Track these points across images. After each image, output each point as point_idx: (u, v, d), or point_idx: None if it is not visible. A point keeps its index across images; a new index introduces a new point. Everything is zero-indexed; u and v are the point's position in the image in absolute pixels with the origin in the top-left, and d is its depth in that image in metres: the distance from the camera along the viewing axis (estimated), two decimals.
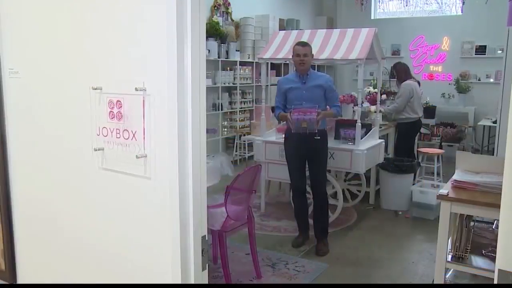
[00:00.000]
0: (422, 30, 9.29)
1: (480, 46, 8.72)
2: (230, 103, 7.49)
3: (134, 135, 1.46)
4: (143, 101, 1.42)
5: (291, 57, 4.47)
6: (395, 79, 6.06)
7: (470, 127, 8.43)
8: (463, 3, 8.33)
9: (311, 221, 4.08)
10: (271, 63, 7.81)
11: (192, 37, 1.34)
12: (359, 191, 5.24)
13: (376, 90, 6.36)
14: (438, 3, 9.36)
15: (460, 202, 2.47)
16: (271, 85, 6.82)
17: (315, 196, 3.99)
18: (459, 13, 9.06)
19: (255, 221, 3.66)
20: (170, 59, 1.34)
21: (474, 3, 8.26)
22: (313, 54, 3.89)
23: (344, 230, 4.54)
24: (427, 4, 9.43)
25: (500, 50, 8.06)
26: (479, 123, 8.14)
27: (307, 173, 3.98)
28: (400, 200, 5.07)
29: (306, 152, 3.84)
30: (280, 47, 4.69)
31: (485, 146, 8.29)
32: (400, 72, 5.90)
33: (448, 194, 2.49)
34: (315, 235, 3.99)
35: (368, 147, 4.40)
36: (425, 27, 9.25)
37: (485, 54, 8.69)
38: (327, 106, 3.91)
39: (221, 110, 7.17)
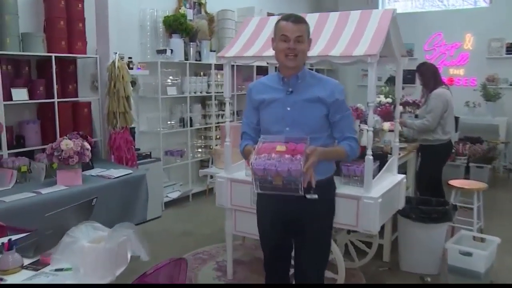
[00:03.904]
0: (439, 26, 7.75)
1: (511, 44, 7.19)
2: (204, 116, 5.97)
3: None
4: None
5: (266, 53, 2.96)
6: (420, 86, 4.60)
7: (502, 142, 6.88)
8: None
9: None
10: (257, 66, 6.43)
11: None
12: (369, 245, 3.68)
13: (388, 99, 4.84)
14: None
15: None
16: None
17: None
18: (485, 4, 7.53)
19: None
20: None
21: None
22: (311, 40, 2.23)
23: None
24: None
25: None
26: None
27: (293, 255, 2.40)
28: (427, 260, 3.53)
29: (291, 222, 2.23)
30: (251, 40, 3.17)
31: None
32: (428, 77, 4.39)
33: None
34: None
35: (383, 192, 2.86)
36: (443, 23, 7.71)
37: None
38: (334, 139, 2.26)
39: (191, 126, 5.64)
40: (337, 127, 2.22)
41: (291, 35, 2.10)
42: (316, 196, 1.98)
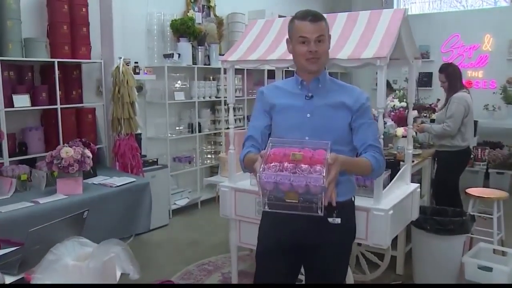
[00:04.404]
0: (457, 27, 7.51)
1: None
2: (214, 122, 5.85)
3: None
4: None
5: (270, 56, 2.82)
6: (433, 89, 4.38)
7: None
8: None
9: None
10: (268, 69, 6.29)
11: None
12: (381, 257, 3.50)
13: (403, 104, 4.65)
14: None
15: None
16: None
17: None
18: (506, 3, 7.27)
19: None
20: None
21: None
22: (330, 36, 1.96)
23: None
24: None
25: None
26: None
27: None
28: (443, 274, 3.33)
29: (301, 248, 1.95)
30: (256, 43, 3.03)
31: None
32: (455, 79, 4.17)
33: None
34: None
35: (395, 203, 2.68)
36: (461, 24, 7.47)
37: None
38: (356, 150, 1.96)
39: (200, 132, 5.52)
40: (359, 133, 1.90)
41: (311, 36, 1.83)
42: (339, 221, 1.71)
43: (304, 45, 1.86)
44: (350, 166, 1.78)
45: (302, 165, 1.54)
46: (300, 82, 1.95)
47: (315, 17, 1.86)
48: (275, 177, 1.53)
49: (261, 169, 1.57)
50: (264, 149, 1.79)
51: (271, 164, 1.58)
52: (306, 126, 1.89)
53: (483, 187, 5.57)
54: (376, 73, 7.60)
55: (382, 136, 2.64)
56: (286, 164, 1.56)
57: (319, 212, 1.56)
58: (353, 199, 2.04)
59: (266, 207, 1.61)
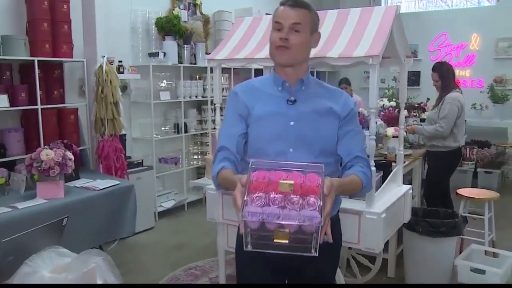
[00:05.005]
0: (444, 26, 7.51)
1: None
2: (200, 122, 5.74)
3: None
4: None
5: (258, 55, 2.72)
6: (421, 88, 4.32)
7: (511, 146, 6.60)
8: None
9: None
10: (255, 68, 6.18)
11: None
12: (372, 260, 3.42)
13: (393, 103, 4.59)
14: None
15: None
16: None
17: None
18: (493, 3, 7.27)
19: None
20: None
21: None
22: (319, 34, 1.77)
23: None
24: None
25: None
26: None
27: None
28: (435, 276, 3.27)
29: (286, 268, 1.73)
30: (243, 41, 2.93)
31: None
32: (448, 78, 4.10)
33: None
34: None
35: (388, 206, 2.61)
36: (448, 23, 7.46)
37: None
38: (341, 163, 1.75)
39: (186, 132, 5.41)
40: (345, 142, 1.69)
41: (285, 22, 1.61)
42: (330, 240, 1.40)
43: (278, 32, 1.64)
44: (343, 190, 1.56)
45: (293, 197, 1.30)
46: (281, 84, 1.70)
47: (295, 3, 1.64)
48: (261, 215, 1.27)
49: (242, 204, 1.30)
50: (240, 162, 1.64)
51: (255, 195, 1.31)
52: (290, 135, 1.64)
53: (472, 186, 5.56)
54: (364, 72, 7.50)
55: (374, 137, 2.56)
56: (273, 195, 1.31)
57: (313, 252, 1.31)
58: (337, 213, 1.87)
59: (249, 246, 1.33)
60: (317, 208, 1.27)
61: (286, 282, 1.79)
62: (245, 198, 1.31)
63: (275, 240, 1.29)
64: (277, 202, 1.29)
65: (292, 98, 1.68)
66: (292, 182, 1.32)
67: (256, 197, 1.30)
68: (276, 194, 1.31)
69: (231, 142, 1.67)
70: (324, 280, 1.78)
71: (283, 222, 1.26)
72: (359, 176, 1.63)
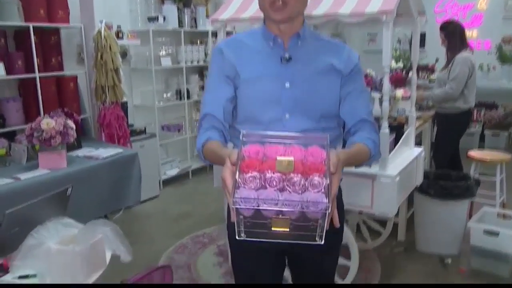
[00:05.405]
0: None
1: None
2: (202, 88, 5.60)
3: None
4: None
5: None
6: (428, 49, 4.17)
7: None
8: None
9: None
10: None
11: None
12: (383, 224, 3.37)
13: (400, 65, 4.46)
14: None
15: None
16: None
17: None
18: None
19: None
20: None
21: None
22: None
23: None
24: None
25: None
26: None
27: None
28: (447, 239, 3.23)
29: (286, 254, 1.59)
30: (248, 0, 2.78)
31: None
32: (454, 37, 3.97)
33: None
34: None
35: (401, 169, 2.53)
36: None
37: None
38: (345, 127, 1.52)
39: (188, 98, 5.29)
40: (347, 103, 1.46)
41: None
42: (338, 224, 1.18)
43: None
44: (349, 163, 1.33)
45: (293, 176, 1.07)
46: (272, 39, 1.44)
47: None
48: (256, 201, 1.03)
49: (236, 186, 1.06)
50: (229, 129, 1.43)
51: (248, 176, 1.07)
52: (285, 99, 1.41)
53: (479, 148, 5.48)
54: (368, 34, 7.29)
55: (387, 98, 2.46)
56: (269, 174, 1.07)
57: (319, 240, 1.09)
58: (340, 192, 1.61)
59: (243, 235, 1.09)
60: (323, 190, 1.04)
61: (286, 261, 1.63)
62: (236, 179, 1.07)
63: (273, 229, 1.08)
64: (274, 183, 1.06)
65: (287, 56, 1.43)
66: (291, 159, 1.09)
67: (250, 177, 1.06)
68: (273, 173, 1.07)
69: (217, 108, 1.44)
70: (328, 260, 1.61)
71: (282, 209, 1.04)
72: (366, 144, 1.42)
